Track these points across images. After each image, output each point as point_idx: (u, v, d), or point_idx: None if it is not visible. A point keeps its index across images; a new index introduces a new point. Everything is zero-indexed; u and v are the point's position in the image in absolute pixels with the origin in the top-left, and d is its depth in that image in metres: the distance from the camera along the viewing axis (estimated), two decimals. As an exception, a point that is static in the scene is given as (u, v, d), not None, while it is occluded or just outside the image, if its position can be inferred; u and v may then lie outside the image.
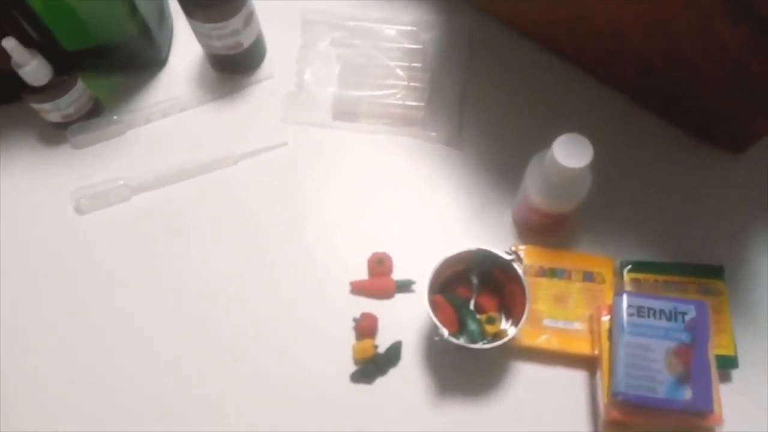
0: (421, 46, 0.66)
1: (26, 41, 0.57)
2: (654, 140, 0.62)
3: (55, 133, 0.64)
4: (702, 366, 0.48)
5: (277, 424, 0.53)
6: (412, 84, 0.64)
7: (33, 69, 0.57)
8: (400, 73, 0.65)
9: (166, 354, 0.56)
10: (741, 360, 0.53)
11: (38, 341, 0.57)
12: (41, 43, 0.59)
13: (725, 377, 0.53)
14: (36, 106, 0.61)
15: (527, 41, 0.66)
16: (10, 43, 0.54)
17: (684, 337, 0.49)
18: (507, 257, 0.51)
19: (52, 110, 0.61)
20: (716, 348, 0.51)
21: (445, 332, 0.49)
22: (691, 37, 0.52)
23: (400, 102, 0.63)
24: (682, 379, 0.48)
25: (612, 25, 0.57)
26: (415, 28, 0.67)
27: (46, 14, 0.58)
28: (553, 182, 0.50)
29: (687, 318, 0.50)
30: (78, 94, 0.62)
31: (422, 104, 0.63)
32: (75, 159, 0.64)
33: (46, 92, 0.59)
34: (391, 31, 0.67)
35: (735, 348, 0.53)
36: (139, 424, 0.54)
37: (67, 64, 0.61)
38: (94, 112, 0.65)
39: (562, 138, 0.49)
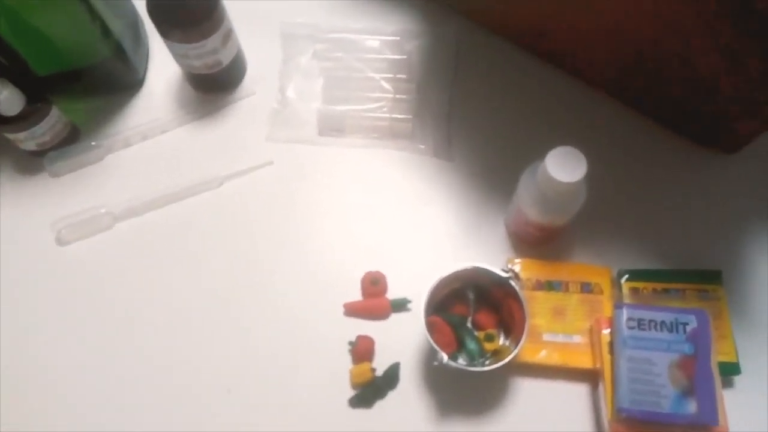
0: (405, 57, 0.64)
1: (-4, 69, 0.55)
2: (647, 145, 0.61)
3: (32, 162, 0.62)
4: (706, 377, 0.47)
5: (276, 454, 0.52)
6: (398, 96, 0.63)
7: (4, 99, 0.55)
8: (386, 85, 0.63)
9: (157, 386, 0.54)
10: (743, 365, 0.52)
11: (24, 373, 0.55)
12: (11, 69, 0.57)
13: (727, 383, 0.52)
14: (10, 136, 0.59)
15: (514, 48, 0.65)
16: (-23, 75, 0.52)
17: (686, 348, 0.48)
18: (504, 275, 0.50)
19: (27, 139, 0.59)
20: (718, 355, 0.50)
21: (444, 357, 0.48)
22: (684, 36, 0.51)
23: (387, 115, 0.62)
24: (687, 392, 0.47)
25: (602, 27, 0.55)
26: (398, 38, 0.65)
27: (14, 39, 0.56)
28: (547, 196, 0.49)
29: (688, 329, 0.49)
30: (53, 120, 0.60)
31: (410, 116, 0.62)
32: (54, 187, 0.62)
33: (19, 122, 0.57)
34: (374, 42, 0.65)
35: (736, 354, 0.52)
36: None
37: (40, 90, 0.59)
38: (71, 138, 0.63)
39: (555, 151, 0.48)
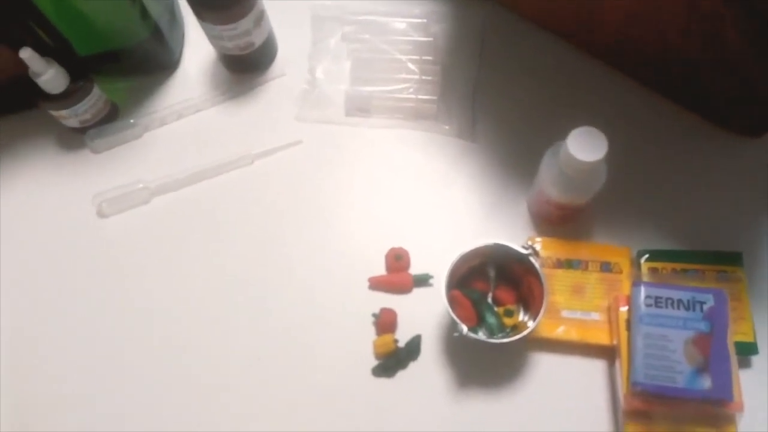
0: (431, 39, 0.66)
1: (42, 49, 0.57)
2: (669, 127, 0.62)
3: (74, 138, 0.65)
4: (721, 355, 0.48)
5: (302, 418, 0.54)
6: (424, 77, 0.64)
7: (50, 77, 0.58)
8: (412, 66, 0.64)
9: (189, 354, 0.57)
10: (761, 346, 0.53)
11: (63, 342, 0.58)
12: (55, 49, 0.60)
13: (745, 363, 0.53)
14: (54, 113, 0.62)
15: (538, 30, 0.65)
16: (26, 54, 0.55)
17: (703, 326, 0.49)
18: (524, 251, 0.52)
19: (70, 116, 0.62)
20: (735, 335, 0.51)
21: (464, 328, 0.50)
22: (691, 29, 0.52)
23: (413, 96, 0.63)
24: (702, 369, 0.48)
25: (622, 14, 0.56)
26: (425, 20, 0.67)
27: (59, 21, 0.58)
28: (568, 175, 0.51)
29: (705, 307, 0.50)
30: (95, 99, 0.63)
31: (435, 98, 0.63)
32: (94, 163, 0.65)
33: (63, 99, 0.60)
34: (401, 24, 0.66)
35: (754, 334, 0.53)
36: (165, 423, 0.55)
37: (83, 70, 0.62)
38: (111, 116, 0.66)
39: (576, 131, 0.49)
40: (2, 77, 0.61)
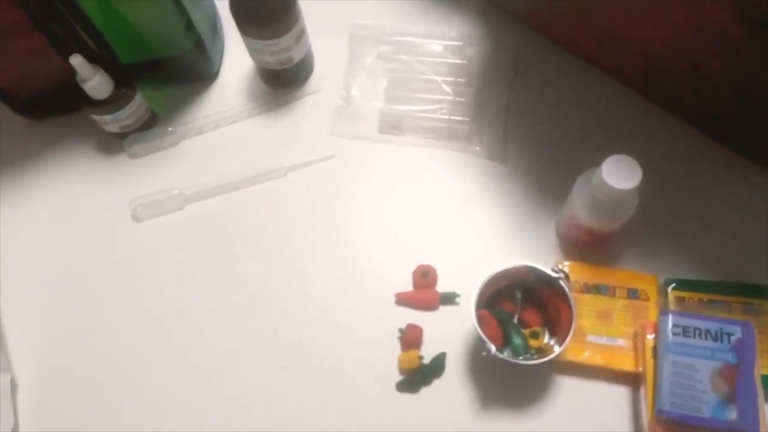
0: (466, 62, 0.67)
1: (89, 56, 0.59)
2: (699, 158, 0.62)
3: (113, 143, 0.67)
4: (748, 387, 0.48)
5: (325, 430, 0.55)
6: (457, 99, 0.65)
7: (97, 83, 0.59)
8: (446, 87, 0.66)
9: (213, 363, 0.58)
10: (787, 381, 0.53)
11: (95, 340, 0.60)
12: (100, 56, 0.62)
13: (769, 397, 0.53)
14: (97, 117, 0.64)
15: (572, 57, 0.67)
16: (76, 60, 0.57)
17: (730, 357, 0.49)
18: (555, 275, 0.52)
19: (111, 122, 0.64)
20: (762, 368, 0.51)
21: (492, 348, 0.50)
22: (711, 54, 0.52)
23: (446, 116, 0.65)
24: (728, 400, 0.48)
25: (653, 43, 0.57)
26: (460, 43, 0.68)
27: (106, 29, 0.60)
28: (601, 201, 0.51)
29: (733, 339, 0.50)
30: (136, 106, 0.64)
31: (467, 119, 0.64)
32: (131, 168, 0.67)
33: (107, 105, 0.62)
34: (436, 46, 0.68)
35: (781, 368, 0.53)
36: (188, 429, 0.56)
37: (126, 77, 0.64)
38: (150, 124, 0.67)
39: (611, 159, 0.50)
40: (51, 83, 0.63)
